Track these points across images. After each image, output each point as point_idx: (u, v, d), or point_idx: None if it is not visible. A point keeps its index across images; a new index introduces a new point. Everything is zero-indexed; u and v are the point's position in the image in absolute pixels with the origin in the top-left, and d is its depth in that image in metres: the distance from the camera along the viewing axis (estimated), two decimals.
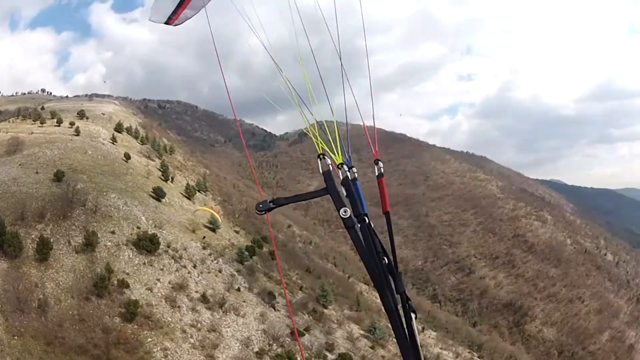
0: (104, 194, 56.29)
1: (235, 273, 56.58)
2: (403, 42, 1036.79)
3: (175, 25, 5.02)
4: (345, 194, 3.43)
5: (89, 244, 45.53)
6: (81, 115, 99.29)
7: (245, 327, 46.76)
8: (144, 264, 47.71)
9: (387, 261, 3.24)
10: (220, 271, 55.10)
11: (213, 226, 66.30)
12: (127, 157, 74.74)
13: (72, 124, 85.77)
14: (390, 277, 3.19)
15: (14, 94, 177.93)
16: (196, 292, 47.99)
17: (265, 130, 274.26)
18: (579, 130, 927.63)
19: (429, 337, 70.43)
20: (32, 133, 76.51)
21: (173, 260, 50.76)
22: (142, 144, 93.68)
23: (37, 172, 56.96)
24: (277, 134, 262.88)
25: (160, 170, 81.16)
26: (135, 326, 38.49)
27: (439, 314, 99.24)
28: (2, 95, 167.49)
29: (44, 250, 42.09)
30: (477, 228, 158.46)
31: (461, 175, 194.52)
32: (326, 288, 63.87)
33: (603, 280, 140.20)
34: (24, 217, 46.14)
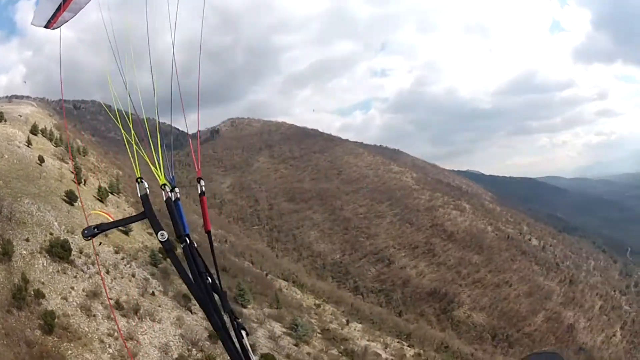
0: (18, 199, 54.91)
1: (149, 277, 56.16)
2: (318, 38, 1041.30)
3: (54, 28, 5.02)
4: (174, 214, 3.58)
5: (5, 253, 44.45)
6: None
7: (162, 333, 46.63)
8: (58, 271, 46.79)
9: (210, 280, 3.32)
10: (133, 275, 54.48)
11: (126, 229, 65.24)
12: (41, 160, 72.84)
13: None
14: (215, 296, 3.28)
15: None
16: (110, 298, 47.39)
17: (178, 129, 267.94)
18: (495, 122, 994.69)
19: (355, 329, 72.30)
20: None
21: (86, 267, 49.84)
22: (56, 146, 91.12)
23: None
24: (189, 132, 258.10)
25: (73, 173, 79.18)
26: (55, 338, 38.18)
27: (362, 305, 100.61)
28: None
29: None
30: (393, 219, 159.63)
31: (375, 169, 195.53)
32: (243, 287, 64.82)
33: (530, 265, 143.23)
34: None
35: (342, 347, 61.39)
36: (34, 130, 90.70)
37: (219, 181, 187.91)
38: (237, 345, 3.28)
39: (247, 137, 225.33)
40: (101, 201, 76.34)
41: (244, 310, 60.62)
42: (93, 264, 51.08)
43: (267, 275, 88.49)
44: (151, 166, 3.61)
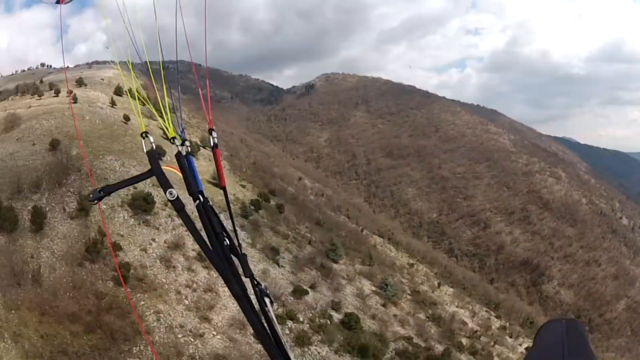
0: (100, 157, 55.23)
1: (238, 228, 54.47)
2: None
3: (65, 3, 4.84)
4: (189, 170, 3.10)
5: (83, 209, 44.78)
6: (80, 83, 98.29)
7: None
8: (139, 224, 46.43)
9: (228, 243, 2.86)
10: None
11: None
12: (127, 118, 74.06)
13: (70, 91, 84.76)
14: (232, 260, 2.84)
15: (14, 73, 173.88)
16: (193, 250, 45.91)
17: (272, 85, 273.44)
18: (588, 89, 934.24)
19: (445, 293, 69.04)
20: (29, 107, 76.06)
21: (170, 219, 48.98)
22: (143, 105, 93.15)
23: (33, 144, 56.52)
24: (284, 88, 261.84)
25: (161, 129, 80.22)
26: (128, 290, 37.89)
27: (455, 269, 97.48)
28: (1, 77, 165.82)
29: (37, 220, 41.75)
30: (491, 182, 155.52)
31: (473, 128, 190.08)
32: (336, 242, 62.45)
33: (619, 245, 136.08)
34: (21, 190, 45.81)
35: (429, 312, 58.01)
36: (118, 92, 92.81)
37: (315, 135, 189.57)
38: (261, 314, 2.78)
39: (342, 92, 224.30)
40: (192, 155, 75.81)
41: (335, 266, 57.87)
42: (178, 215, 50.08)
43: (362, 230, 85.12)
44: (158, 118, 3.25)
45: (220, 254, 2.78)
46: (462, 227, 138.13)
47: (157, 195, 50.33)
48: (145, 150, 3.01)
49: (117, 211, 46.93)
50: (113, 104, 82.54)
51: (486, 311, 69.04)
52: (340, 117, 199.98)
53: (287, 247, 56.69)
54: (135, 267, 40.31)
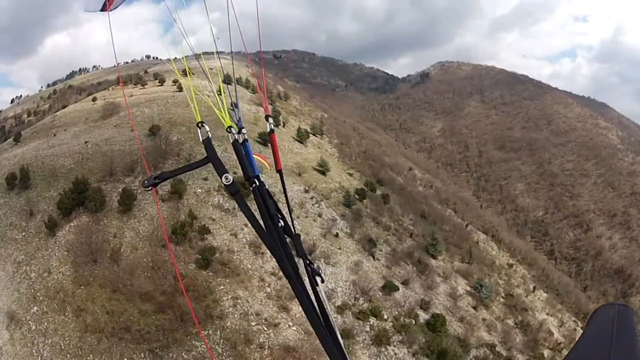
0: (201, 142, 56.47)
1: (338, 217, 53.55)
2: None
3: (111, 10, 4.61)
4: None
5: (175, 192, 45.87)
6: (185, 72, 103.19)
7: (332, 278, 43.40)
8: (234, 208, 46.37)
9: (283, 224, 2.97)
10: (319, 215, 52.30)
11: (323, 169, 64.87)
12: (234, 106, 75.84)
13: (175, 81, 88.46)
14: (286, 241, 2.90)
15: (115, 65, 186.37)
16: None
17: (387, 73, 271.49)
18: None
19: (539, 298, 64.17)
20: (131, 96, 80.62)
21: None
22: (252, 93, 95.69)
23: (132, 130, 58.92)
24: (400, 76, 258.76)
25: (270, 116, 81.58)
26: (210, 273, 37.67)
27: (553, 272, 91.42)
28: (102, 68, 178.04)
29: (126, 201, 43.32)
30: (597, 180, 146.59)
31: (583, 121, 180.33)
32: (437, 236, 59.63)
33: None
34: (113, 173, 47.98)
35: (519, 318, 53.43)
36: (226, 80, 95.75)
37: (429, 125, 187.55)
38: (311, 293, 2.84)
39: (457, 80, 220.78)
40: (300, 142, 76.98)
41: (432, 262, 55.24)
42: (277, 202, 49.55)
43: (467, 226, 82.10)
44: (215, 109, 3.43)
45: (275, 235, 2.81)
46: (565, 228, 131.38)
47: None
48: (201, 139, 3.13)
49: (213, 195, 47.56)
50: (221, 92, 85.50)
51: (574, 321, 63.51)
52: (455, 107, 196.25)
53: (387, 239, 54.68)
54: (222, 252, 40.33)
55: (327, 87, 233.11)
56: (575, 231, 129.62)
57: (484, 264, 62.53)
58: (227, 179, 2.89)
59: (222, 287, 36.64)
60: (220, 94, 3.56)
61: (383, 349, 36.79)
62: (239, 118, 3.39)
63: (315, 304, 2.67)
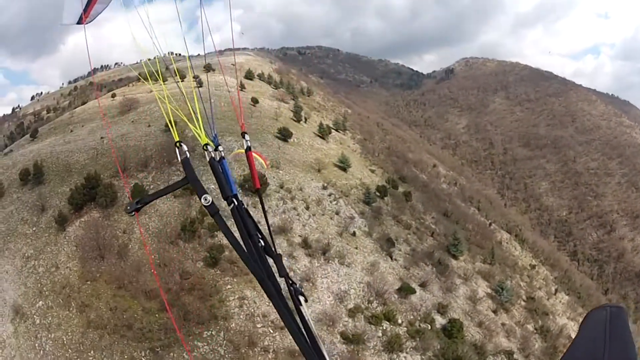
0: (220, 137, 55.65)
1: (356, 215, 51.83)
2: None
3: (87, 23, 4.56)
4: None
5: (189, 188, 44.66)
6: (207, 68, 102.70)
7: (346, 278, 41.78)
8: (249, 205, 45.42)
9: (263, 244, 2.98)
10: (337, 213, 50.66)
11: (343, 165, 63.51)
12: (255, 101, 75.86)
13: (195, 77, 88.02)
14: (267, 260, 2.92)
15: (138, 62, 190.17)
16: (299, 236, 44.13)
17: (412, 69, 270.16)
18: None
19: (560, 301, 61.68)
20: (150, 92, 79.96)
21: (282, 202, 47.82)
22: (275, 89, 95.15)
23: (148, 126, 59.01)
24: (425, 73, 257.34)
25: (292, 111, 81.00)
26: (218, 272, 36.86)
27: (575, 274, 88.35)
28: (123, 65, 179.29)
29: (137, 196, 42.22)
30: (621, 180, 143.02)
31: (607, 119, 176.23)
32: (459, 236, 57.45)
33: None
34: (126, 168, 47.64)
35: (539, 323, 50.96)
36: (248, 76, 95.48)
37: (454, 121, 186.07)
38: (295, 312, 2.86)
39: (482, 77, 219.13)
40: (322, 138, 75.82)
41: (453, 262, 53.16)
42: (292, 199, 49.21)
43: (490, 225, 79.35)
44: (189, 125, 3.36)
45: (255, 255, 2.78)
46: (589, 229, 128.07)
47: (272, 177, 50.09)
48: (179, 160, 3.01)
49: None
50: (242, 87, 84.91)
51: None
52: (480, 103, 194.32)
53: (407, 239, 52.80)
54: (231, 250, 38.46)
55: (352, 83, 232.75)
56: (598, 232, 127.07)
57: (506, 264, 60.40)
58: (206, 199, 2.83)
59: (229, 286, 35.79)
60: (197, 112, 3.39)
61: (395, 356, 35.27)
62: (215, 135, 3.32)
63: (301, 324, 2.60)
